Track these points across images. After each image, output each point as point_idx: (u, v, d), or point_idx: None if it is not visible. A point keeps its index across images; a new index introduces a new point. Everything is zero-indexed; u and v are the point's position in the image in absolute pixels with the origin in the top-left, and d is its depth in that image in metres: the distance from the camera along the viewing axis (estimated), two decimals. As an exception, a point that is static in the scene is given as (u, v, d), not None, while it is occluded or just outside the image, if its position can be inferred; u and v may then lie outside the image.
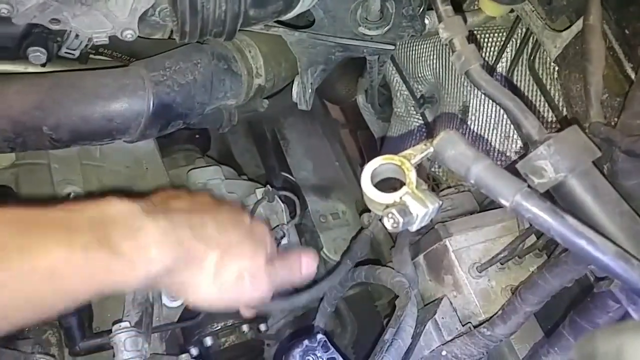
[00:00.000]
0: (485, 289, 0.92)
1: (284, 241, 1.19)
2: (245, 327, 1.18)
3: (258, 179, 1.45)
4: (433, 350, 0.86)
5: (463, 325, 0.88)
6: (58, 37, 0.83)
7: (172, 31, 0.92)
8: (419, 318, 0.89)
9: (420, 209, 0.55)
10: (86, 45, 0.86)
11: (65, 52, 0.86)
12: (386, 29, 0.88)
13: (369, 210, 1.13)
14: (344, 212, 1.45)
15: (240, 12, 0.64)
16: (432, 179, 1.20)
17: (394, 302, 0.97)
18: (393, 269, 1.00)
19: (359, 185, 1.59)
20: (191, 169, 1.22)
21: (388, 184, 0.60)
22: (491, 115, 1.09)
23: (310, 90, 0.97)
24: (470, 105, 1.09)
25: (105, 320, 1.02)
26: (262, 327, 1.22)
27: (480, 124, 1.09)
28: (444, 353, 0.84)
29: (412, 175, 0.56)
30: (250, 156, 1.62)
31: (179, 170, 1.25)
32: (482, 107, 1.10)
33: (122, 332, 0.88)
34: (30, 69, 0.89)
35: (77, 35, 0.82)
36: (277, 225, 1.18)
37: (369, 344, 1.03)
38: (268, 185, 1.20)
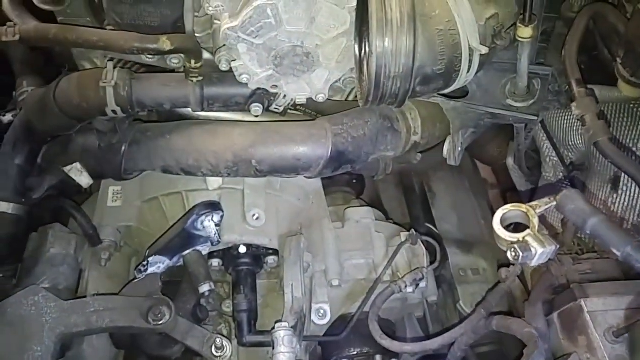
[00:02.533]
0: (622, 355, 0.98)
1: (422, 284, 1.38)
2: (378, 358, 1.38)
3: (403, 226, 1.67)
4: None
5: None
6: (271, 97, 1.21)
7: (349, 94, 1.27)
8: None
9: (539, 248, 0.73)
10: (288, 104, 1.23)
11: (274, 108, 1.24)
12: (531, 102, 1.09)
13: (507, 265, 1.28)
14: (485, 269, 1.58)
15: (410, 88, 0.92)
16: (578, 244, 1.30)
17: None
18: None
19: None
20: (348, 207, 1.51)
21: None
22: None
23: (459, 149, 1.21)
24: (622, 175, 1.18)
25: (263, 325, 1.32)
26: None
27: (631, 195, 1.17)
28: None
29: (535, 221, 0.75)
30: (397, 204, 1.86)
31: (337, 208, 1.56)
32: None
33: (283, 330, 1.15)
34: (249, 118, 1.29)
35: (284, 96, 1.19)
36: (417, 268, 1.37)
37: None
38: (413, 230, 1.42)
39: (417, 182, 1.81)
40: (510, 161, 1.55)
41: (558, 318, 1.10)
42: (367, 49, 1.01)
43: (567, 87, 1.02)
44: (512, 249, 0.74)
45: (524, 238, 0.74)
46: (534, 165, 1.49)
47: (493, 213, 1.74)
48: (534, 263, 0.74)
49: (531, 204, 0.76)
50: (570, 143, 1.32)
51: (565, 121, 1.31)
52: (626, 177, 1.16)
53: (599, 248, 1.23)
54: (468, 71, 0.92)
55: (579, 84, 0.87)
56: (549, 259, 0.78)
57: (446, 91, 1.00)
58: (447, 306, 1.59)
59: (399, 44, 0.87)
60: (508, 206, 0.77)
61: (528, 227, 0.75)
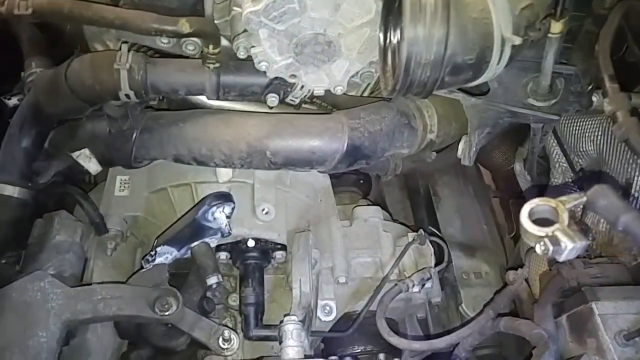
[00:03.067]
0: (632, 358, 0.97)
1: (428, 284, 1.37)
2: (382, 356, 1.37)
3: (409, 227, 1.67)
4: None
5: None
6: (288, 88, 1.19)
7: (364, 89, 1.26)
8: None
9: (569, 242, 0.72)
10: (305, 95, 1.22)
11: (290, 99, 1.22)
12: (553, 101, 1.08)
13: (514, 269, 1.28)
14: (487, 273, 1.59)
15: (440, 78, 0.91)
16: (586, 250, 1.29)
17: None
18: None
19: (505, 251, 1.76)
20: (356, 205, 1.50)
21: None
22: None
23: (475, 149, 1.20)
24: (634, 182, 1.19)
25: (269, 320, 1.30)
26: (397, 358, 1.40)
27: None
28: None
29: (565, 216, 0.75)
30: (401, 207, 1.86)
31: (344, 207, 1.55)
32: None
33: (291, 323, 1.14)
34: (263, 109, 1.27)
35: (302, 87, 1.18)
36: (425, 268, 1.37)
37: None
38: (421, 230, 1.41)
39: (422, 185, 1.81)
40: (518, 167, 1.55)
41: (567, 320, 1.10)
42: (395, 38, 1.00)
43: (590, 87, 1.02)
44: (542, 243, 0.73)
45: (553, 232, 0.73)
46: (542, 172, 1.49)
47: (495, 219, 1.81)
48: (563, 258, 0.73)
49: (560, 198, 0.76)
50: (581, 149, 1.32)
51: (577, 126, 1.31)
52: (638, 183, 1.17)
53: (607, 253, 1.23)
54: (498, 63, 0.91)
55: (612, 80, 0.86)
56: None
57: (473, 84, 0.99)
58: (449, 308, 1.59)
59: (432, 31, 0.86)
60: (536, 200, 0.76)
61: (557, 222, 0.74)
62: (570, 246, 0.73)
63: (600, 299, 1.03)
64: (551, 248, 0.72)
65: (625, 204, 0.72)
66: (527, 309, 1.30)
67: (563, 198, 0.76)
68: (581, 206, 0.76)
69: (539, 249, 0.73)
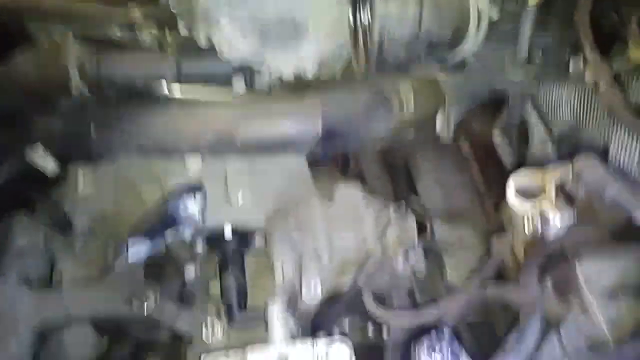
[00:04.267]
0: (615, 315, 0.96)
1: (412, 256, 1.34)
2: (369, 329, 1.35)
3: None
4: None
5: (589, 347, 0.95)
6: (255, 74, 1.12)
7: (336, 70, 1.19)
8: (542, 333, 0.97)
9: (556, 214, 0.69)
10: (274, 80, 1.15)
11: (259, 85, 1.15)
12: (531, 73, 1.03)
13: (498, 235, 1.26)
14: (471, 240, 1.56)
15: (415, 57, 0.86)
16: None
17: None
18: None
19: (487, 217, 1.72)
20: (337, 184, 1.45)
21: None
22: (634, 157, 1.15)
23: (453, 124, 1.16)
24: (611, 147, 1.16)
25: (252, 304, 1.26)
26: (384, 331, 1.38)
27: (621, 165, 1.15)
28: None
29: (551, 187, 0.71)
30: (381, 183, 1.80)
31: (322, 185, 1.49)
32: (624, 149, 1.16)
33: (276, 308, 1.10)
34: (231, 97, 1.19)
35: (270, 72, 1.11)
36: (408, 242, 1.34)
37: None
38: (403, 202, 1.37)
39: (401, 159, 1.76)
40: (497, 136, 1.51)
41: (551, 282, 1.08)
42: (365, 17, 0.94)
43: (569, 57, 0.98)
44: (529, 217, 0.69)
45: (540, 204, 0.70)
46: (522, 140, 1.45)
47: (477, 188, 1.78)
48: (551, 230, 0.70)
49: (546, 170, 0.72)
50: (559, 116, 1.29)
51: (554, 94, 1.27)
52: (616, 148, 1.14)
53: (588, 216, 1.21)
54: (475, 38, 0.87)
55: (593, 48, 0.82)
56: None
57: (449, 61, 0.94)
58: (434, 277, 1.57)
59: (405, 8, 0.81)
60: (522, 173, 0.72)
61: (543, 194, 0.71)
62: (557, 217, 0.69)
63: (583, 259, 1.01)
64: (539, 221, 0.69)
65: (611, 174, 0.68)
66: (512, 275, 1.29)
67: (549, 170, 0.73)
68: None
69: (526, 222, 0.70)
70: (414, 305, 1.52)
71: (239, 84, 1.12)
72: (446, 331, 0.96)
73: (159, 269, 1.22)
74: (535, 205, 0.70)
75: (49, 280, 1.20)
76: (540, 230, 0.70)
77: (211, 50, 1.06)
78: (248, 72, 1.12)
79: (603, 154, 1.18)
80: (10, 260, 1.14)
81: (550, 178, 0.71)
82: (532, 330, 0.94)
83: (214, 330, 1.12)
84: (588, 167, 0.70)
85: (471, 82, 1.06)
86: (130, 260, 1.17)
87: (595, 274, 1.00)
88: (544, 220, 0.69)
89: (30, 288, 1.08)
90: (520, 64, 1.05)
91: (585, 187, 0.70)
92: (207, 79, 1.13)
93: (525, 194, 0.73)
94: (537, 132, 1.39)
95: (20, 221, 1.19)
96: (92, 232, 1.28)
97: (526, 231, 0.70)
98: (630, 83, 1.10)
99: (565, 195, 1.25)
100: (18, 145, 1.18)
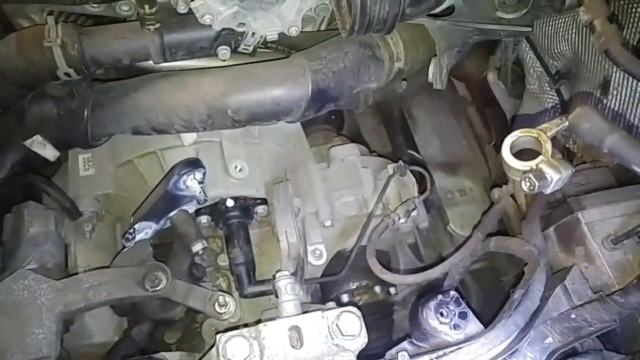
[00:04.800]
0: (620, 261, 0.97)
1: (414, 213, 1.33)
2: (377, 289, 1.37)
3: (388, 157, 1.61)
4: (562, 313, 0.94)
5: (594, 294, 0.95)
6: (239, 37, 1.07)
7: (321, 22, 1.13)
8: (547, 284, 0.96)
9: (555, 174, 0.67)
10: (258, 42, 1.09)
11: (243, 48, 1.10)
12: (524, 11, 0.97)
13: (499, 186, 1.24)
14: (471, 189, 1.56)
15: (399, 11, 0.80)
16: (567, 155, 1.25)
17: (520, 276, 1.06)
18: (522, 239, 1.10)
19: (486, 162, 1.70)
20: (332, 146, 1.42)
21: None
22: (635, 91, 1.10)
23: (445, 71, 1.11)
24: (612, 80, 1.11)
25: (261, 273, 1.27)
26: (392, 290, 1.40)
27: (621, 100, 1.11)
28: (573, 316, 0.92)
29: (548, 146, 0.68)
30: (377, 135, 1.79)
31: (319, 148, 1.47)
32: (625, 82, 1.10)
33: (284, 279, 1.10)
34: (217, 63, 1.15)
35: (253, 34, 1.05)
36: (409, 199, 1.33)
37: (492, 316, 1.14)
38: (401, 161, 1.35)
39: (396, 109, 1.72)
40: (491, 76, 1.46)
41: (555, 232, 1.08)
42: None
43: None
44: (527, 178, 0.67)
45: (537, 165, 0.67)
46: (517, 78, 1.40)
47: (474, 130, 1.74)
48: (550, 190, 0.68)
49: (541, 126, 0.69)
50: (556, 51, 1.23)
51: (551, 28, 1.21)
52: (616, 80, 1.10)
53: (589, 157, 1.19)
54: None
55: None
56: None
57: (436, 10, 0.88)
58: (437, 229, 1.57)
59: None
60: (517, 132, 0.70)
61: (540, 153, 0.68)
62: (556, 178, 0.67)
63: (585, 207, 1.02)
64: (537, 183, 0.66)
65: (609, 124, 0.66)
66: (515, 224, 1.28)
67: (544, 125, 0.70)
68: (564, 130, 0.69)
69: (524, 186, 0.68)
70: (419, 258, 1.53)
71: (223, 51, 1.07)
72: (452, 293, 0.95)
73: (166, 248, 1.23)
74: (532, 167, 0.67)
75: (64, 266, 1.22)
76: (538, 190, 0.67)
77: (192, 16, 1.00)
78: (232, 36, 1.07)
79: (603, 89, 1.14)
80: (26, 249, 1.15)
81: (546, 136, 0.68)
82: (538, 283, 0.93)
83: (227, 306, 1.11)
84: (584, 117, 0.66)
85: (460, 26, 1.00)
86: (137, 241, 1.17)
87: (599, 222, 0.99)
88: (543, 183, 0.66)
89: (49, 275, 1.08)
90: (511, 2, 0.99)
91: (582, 139, 0.67)
92: (192, 48, 1.08)
93: (522, 154, 0.70)
94: (534, 69, 1.34)
95: (31, 209, 1.19)
96: (99, 214, 1.28)
97: (525, 190, 0.67)
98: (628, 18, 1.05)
99: (563, 151, 1.23)
100: (16, 136, 1.16)
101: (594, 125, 0.66)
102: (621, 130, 0.65)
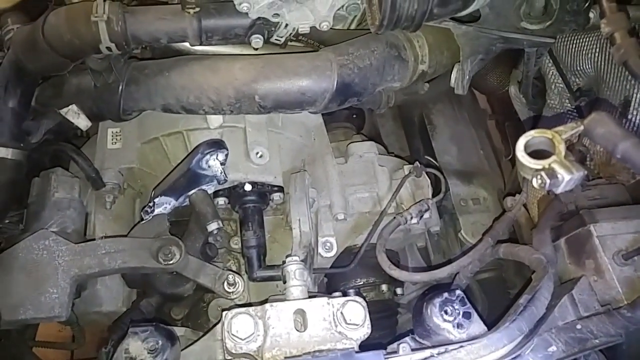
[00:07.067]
0: (630, 277, 0.95)
1: (427, 215, 1.34)
2: (384, 287, 1.38)
3: (404, 159, 1.62)
4: (567, 322, 0.93)
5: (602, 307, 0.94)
6: (272, 27, 1.11)
7: (351, 22, 1.16)
8: (554, 293, 0.95)
9: (566, 174, 0.68)
10: (290, 34, 1.13)
11: (275, 39, 1.13)
12: (548, 23, 0.99)
13: (512, 194, 1.24)
14: (485, 198, 1.56)
15: (428, 10, 0.82)
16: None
17: (528, 286, 1.05)
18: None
19: (502, 175, 1.70)
20: (351, 142, 1.45)
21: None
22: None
23: (467, 77, 1.13)
24: (633, 99, 1.12)
25: (271, 259, 1.29)
26: (399, 290, 1.41)
27: (641, 121, 1.11)
28: (578, 327, 0.91)
29: (561, 147, 0.69)
30: (396, 138, 1.80)
31: (338, 144, 1.49)
32: None
33: (293, 264, 1.12)
34: (248, 51, 1.19)
35: (286, 26, 1.09)
36: (422, 200, 1.34)
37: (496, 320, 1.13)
38: (417, 162, 1.36)
39: (416, 114, 1.74)
40: (513, 90, 1.47)
41: (565, 243, 1.07)
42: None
43: (587, 4, 0.93)
44: (538, 176, 0.68)
45: (549, 165, 0.68)
46: (538, 93, 1.41)
47: (492, 143, 1.75)
48: (561, 190, 0.69)
49: (556, 129, 0.70)
50: (579, 68, 1.24)
51: (574, 45, 1.22)
52: (637, 100, 1.10)
53: (605, 173, 1.19)
54: (489, -14, 0.82)
55: (610, -2, 0.78)
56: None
57: (462, 13, 0.90)
58: (449, 236, 1.58)
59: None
60: (532, 132, 0.71)
61: (553, 154, 0.69)
62: (567, 178, 0.68)
63: (598, 220, 1.01)
64: (548, 181, 0.68)
65: (624, 130, 0.67)
66: (526, 234, 1.28)
67: (559, 128, 0.71)
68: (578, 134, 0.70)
69: (535, 182, 0.69)
70: (428, 262, 1.53)
71: (256, 39, 1.11)
72: (458, 292, 0.95)
73: (183, 226, 1.26)
74: (545, 166, 0.69)
75: (83, 233, 1.25)
76: (551, 191, 0.68)
77: (230, 4, 1.05)
78: (266, 26, 1.10)
79: (624, 109, 1.14)
80: (49, 213, 1.19)
81: (560, 138, 0.69)
82: (545, 291, 0.93)
83: (235, 285, 1.15)
84: (598, 123, 0.67)
85: (485, 33, 1.02)
86: (155, 215, 1.20)
87: (611, 236, 0.98)
88: (554, 182, 0.67)
89: (68, 239, 1.12)
90: (536, 13, 1.01)
91: (596, 144, 0.68)
92: (227, 34, 1.12)
93: (536, 154, 0.71)
94: (555, 85, 1.34)
95: (58, 175, 1.23)
96: (121, 187, 1.32)
97: (536, 187, 0.68)
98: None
99: (577, 154, 1.24)
100: (53, 104, 1.22)
101: (608, 130, 0.67)
102: (635, 137, 0.66)
